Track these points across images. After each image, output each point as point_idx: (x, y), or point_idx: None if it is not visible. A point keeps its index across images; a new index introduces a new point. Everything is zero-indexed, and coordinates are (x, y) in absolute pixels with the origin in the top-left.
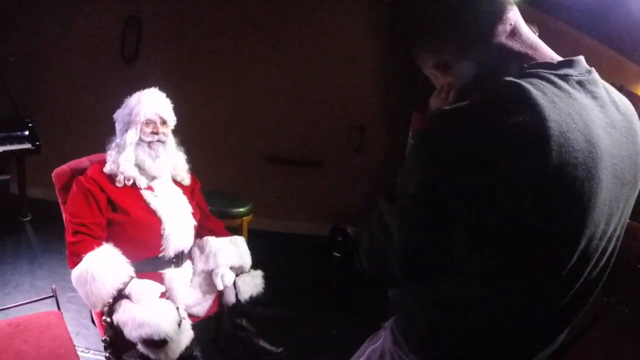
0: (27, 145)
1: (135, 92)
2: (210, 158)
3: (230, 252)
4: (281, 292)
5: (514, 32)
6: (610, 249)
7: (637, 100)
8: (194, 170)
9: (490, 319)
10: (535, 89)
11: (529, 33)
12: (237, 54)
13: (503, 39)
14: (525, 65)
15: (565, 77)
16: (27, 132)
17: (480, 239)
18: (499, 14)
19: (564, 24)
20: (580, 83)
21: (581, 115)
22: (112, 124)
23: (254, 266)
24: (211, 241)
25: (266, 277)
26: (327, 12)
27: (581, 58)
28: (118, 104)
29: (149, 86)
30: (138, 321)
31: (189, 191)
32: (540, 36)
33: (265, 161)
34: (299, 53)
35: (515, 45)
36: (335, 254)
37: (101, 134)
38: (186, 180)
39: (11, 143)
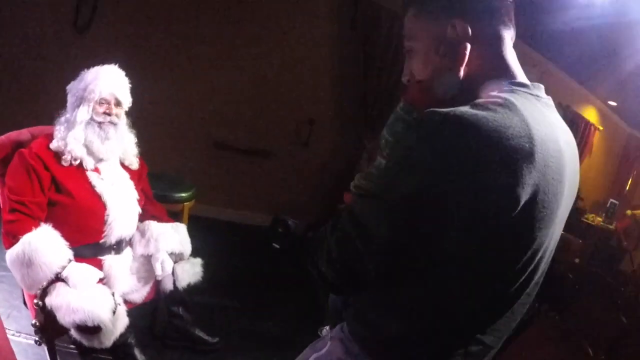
0: None
1: (85, 65)
2: (156, 139)
3: (172, 238)
4: (219, 281)
5: (486, 44)
6: (550, 257)
7: (581, 120)
8: (139, 151)
9: (453, 320)
10: (519, 101)
11: (512, 53)
12: (194, 41)
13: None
14: (507, 81)
15: (537, 97)
16: None
17: (465, 241)
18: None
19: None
20: (546, 105)
21: (553, 130)
22: (59, 95)
23: (194, 253)
24: (153, 225)
25: (205, 266)
26: (282, 5)
27: (542, 86)
28: (66, 75)
29: (99, 60)
30: (72, 307)
31: (136, 176)
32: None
33: (212, 147)
34: (252, 44)
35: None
36: (275, 245)
37: (45, 105)
38: (134, 164)
39: None
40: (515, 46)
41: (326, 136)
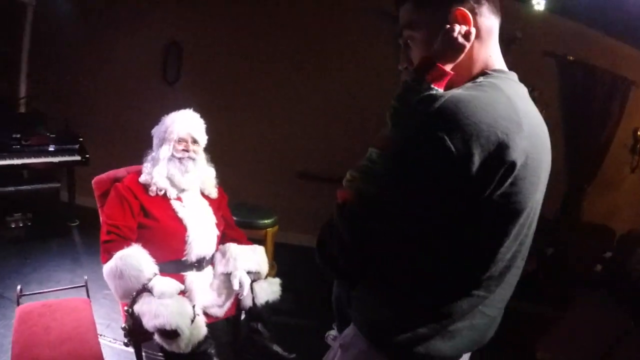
0: (77, 158)
1: (176, 110)
2: (241, 172)
3: (249, 258)
4: (302, 302)
5: (480, 37)
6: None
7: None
8: (225, 184)
9: (459, 293)
10: (502, 83)
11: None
12: (269, 76)
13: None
14: (489, 68)
15: (514, 81)
16: (77, 146)
17: (468, 212)
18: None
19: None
20: (522, 88)
21: (532, 107)
22: (151, 139)
23: (279, 276)
24: (232, 247)
25: (288, 288)
26: (354, 35)
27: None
28: (160, 120)
29: (189, 105)
30: (155, 312)
31: (215, 204)
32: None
33: (295, 177)
34: (329, 75)
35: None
36: None
37: (142, 148)
38: (213, 194)
39: (63, 155)
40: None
41: None
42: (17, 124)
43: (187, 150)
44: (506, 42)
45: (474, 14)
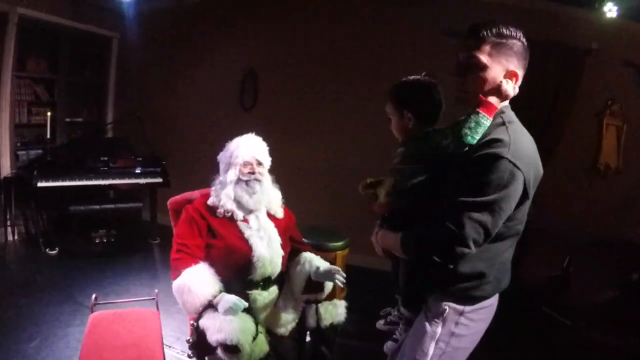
0: (159, 180)
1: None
2: (313, 195)
3: (322, 261)
4: (370, 326)
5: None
6: None
7: None
8: (297, 206)
9: (507, 260)
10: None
11: None
12: (342, 98)
13: None
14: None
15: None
16: (159, 169)
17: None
18: None
19: None
20: None
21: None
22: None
23: (349, 299)
24: (304, 253)
25: (358, 310)
26: (425, 55)
27: None
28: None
29: (266, 130)
30: (218, 327)
31: (282, 224)
32: None
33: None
34: None
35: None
36: None
37: (218, 171)
38: (279, 213)
39: (146, 177)
40: None
41: None
42: (104, 148)
43: (252, 173)
44: (581, 54)
45: (518, 77)
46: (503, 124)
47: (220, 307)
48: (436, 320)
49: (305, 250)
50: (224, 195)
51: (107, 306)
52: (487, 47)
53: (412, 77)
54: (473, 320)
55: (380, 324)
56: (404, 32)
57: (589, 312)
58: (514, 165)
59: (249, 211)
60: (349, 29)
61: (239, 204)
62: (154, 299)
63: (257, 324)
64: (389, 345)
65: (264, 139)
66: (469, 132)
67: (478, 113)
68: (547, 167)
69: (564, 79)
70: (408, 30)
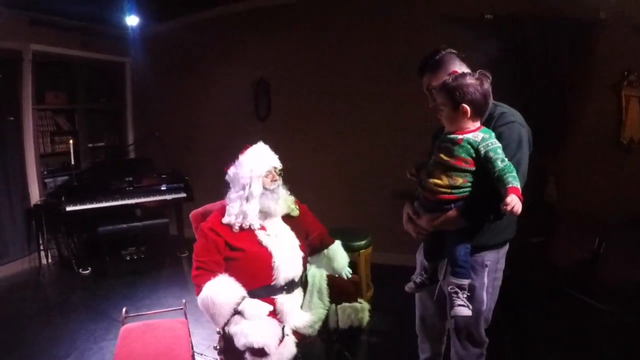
0: (183, 195)
1: (269, 144)
2: (334, 197)
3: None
4: (398, 324)
5: None
6: None
7: None
8: (317, 212)
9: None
10: None
11: None
12: (360, 96)
13: None
14: None
15: None
16: (182, 184)
17: None
18: None
19: None
20: None
21: None
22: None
23: (375, 298)
24: (325, 251)
25: (386, 309)
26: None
27: None
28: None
29: (282, 137)
30: (245, 332)
31: (296, 223)
32: None
33: (390, 197)
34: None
35: None
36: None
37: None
38: (295, 211)
39: (171, 193)
40: None
41: None
42: (128, 169)
43: (275, 180)
44: (586, 27)
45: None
46: None
47: (246, 314)
48: (481, 273)
49: (326, 242)
50: (250, 210)
51: (138, 318)
52: None
53: (468, 72)
54: (502, 259)
55: (409, 286)
56: (413, 35)
57: (623, 295)
58: None
59: (265, 218)
60: (358, 35)
61: (264, 213)
62: (182, 308)
63: (283, 327)
64: (410, 286)
65: (281, 147)
66: None
67: None
68: (569, 145)
69: (574, 53)
70: (414, 27)
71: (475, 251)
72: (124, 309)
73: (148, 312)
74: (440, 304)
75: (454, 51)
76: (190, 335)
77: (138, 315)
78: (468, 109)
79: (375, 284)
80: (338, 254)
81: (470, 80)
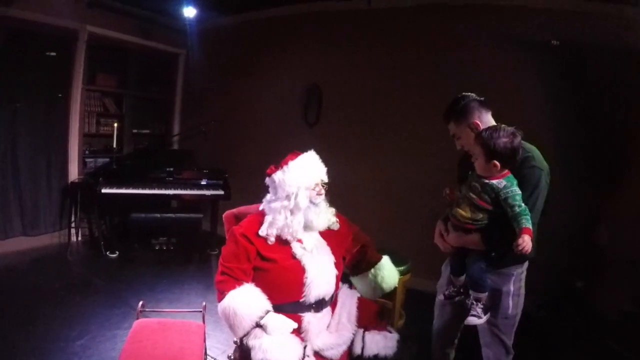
0: (221, 192)
1: (315, 149)
2: (372, 214)
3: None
4: (426, 353)
5: None
6: None
7: None
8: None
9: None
10: None
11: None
12: (403, 116)
13: None
14: None
15: None
16: (222, 182)
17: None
18: None
19: None
20: None
21: None
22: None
23: (406, 326)
24: (376, 270)
25: (416, 338)
26: (486, 70)
27: None
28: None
29: (328, 147)
30: (264, 347)
31: (335, 239)
32: None
33: (429, 218)
34: None
35: None
36: None
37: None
38: (336, 224)
39: (209, 189)
40: None
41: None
42: (169, 159)
43: (321, 194)
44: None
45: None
46: None
47: (268, 328)
48: (507, 282)
49: (372, 257)
50: (295, 224)
51: (154, 314)
52: None
53: (507, 128)
54: (524, 272)
55: (439, 298)
56: (468, 49)
57: None
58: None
59: (305, 228)
60: (414, 49)
61: (309, 227)
62: (200, 311)
63: (305, 346)
64: (440, 298)
65: (327, 156)
66: None
67: None
68: (627, 186)
69: (633, 85)
70: (472, 47)
71: (501, 267)
72: (140, 302)
73: (165, 310)
74: (457, 309)
75: (477, 98)
76: (205, 341)
77: (154, 311)
78: (498, 165)
79: (408, 312)
80: (386, 270)
81: (504, 138)
